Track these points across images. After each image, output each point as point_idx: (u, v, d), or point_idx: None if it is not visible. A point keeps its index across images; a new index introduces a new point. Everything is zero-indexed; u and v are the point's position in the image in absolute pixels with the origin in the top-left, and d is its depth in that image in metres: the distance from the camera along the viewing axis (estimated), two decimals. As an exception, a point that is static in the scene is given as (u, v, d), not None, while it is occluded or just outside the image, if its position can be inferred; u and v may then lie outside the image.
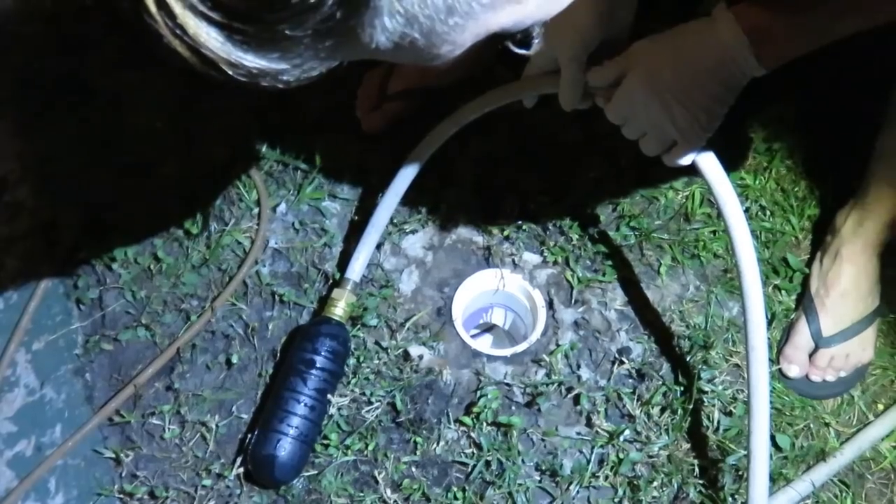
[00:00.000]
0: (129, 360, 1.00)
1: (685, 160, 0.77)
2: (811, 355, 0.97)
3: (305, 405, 0.90)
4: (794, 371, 0.97)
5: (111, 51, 1.16)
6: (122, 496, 0.92)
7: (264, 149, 1.12)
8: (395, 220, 1.04)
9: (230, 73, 0.32)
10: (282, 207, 1.09)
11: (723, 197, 0.77)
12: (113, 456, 0.94)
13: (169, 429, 0.95)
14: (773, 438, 0.92)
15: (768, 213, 1.06)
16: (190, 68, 0.32)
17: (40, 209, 1.09)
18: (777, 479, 0.90)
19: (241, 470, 0.92)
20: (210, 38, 0.30)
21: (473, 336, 1.08)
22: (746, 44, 0.70)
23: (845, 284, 0.97)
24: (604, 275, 1.03)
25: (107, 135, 1.12)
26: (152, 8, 0.29)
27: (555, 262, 1.04)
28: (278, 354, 0.99)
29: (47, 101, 1.15)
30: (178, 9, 0.29)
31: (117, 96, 1.14)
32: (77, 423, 0.95)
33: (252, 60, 0.32)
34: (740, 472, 0.89)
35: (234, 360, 0.98)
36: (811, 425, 0.94)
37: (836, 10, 0.69)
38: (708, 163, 0.77)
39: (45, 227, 1.07)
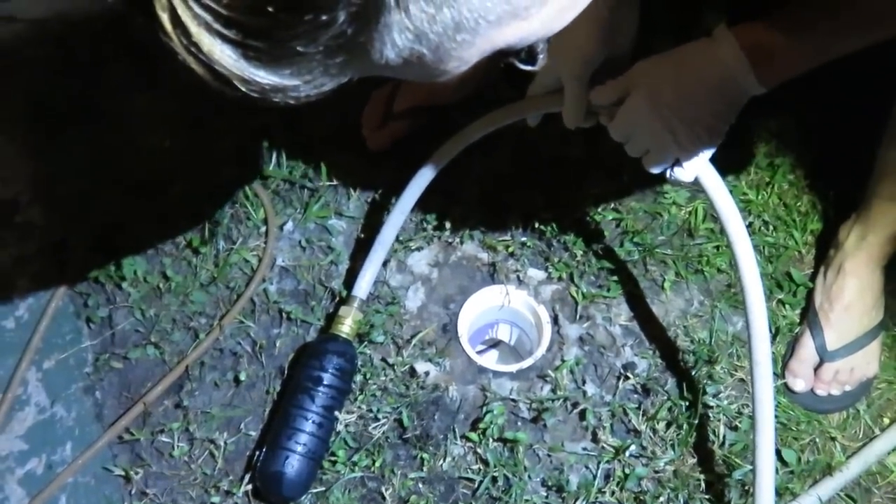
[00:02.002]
0: (138, 378, 1.01)
1: (687, 176, 0.78)
2: (816, 369, 0.97)
3: (313, 422, 0.90)
4: (799, 385, 0.97)
5: (120, 73, 1.18)
6: (131, 514, 0.93)
7: (271, 168, 1.13)
8: (400, 238, 1.05)
9: (243, 89, 0.33)
10: (289, 226, 1.10)
11: (725, 212, 0.78)
12: (122, 474, 0.95)
13: (178, 446, 0.96)
14: (778, 453, 0.92)
15: (771, 227, 1.07)
16: (203, 85, 0.33)
17: (51, 229, 1.10)
18: (783, 494, 0.90)
19: (250, 487, 0.93)
20: (224, 56, 0.31)
21: (479, 352, 1.09)
22: (747, 63, 0.71)
23: (849, 298, 0.97)
24: (608, 290, 1.03)
25: (116, 155, 1.13)
26: (168, 26, 0.30)
27: (559, 278, 1.05)
28: (286, 371, 1.00)
29: (58, 123, 1.16)
30: (192, 27, 0.30)
31: (126, 118, 1.16)
32: (87, 441, 0.96)
33: (265, 77, 0.33)
34: (746, 487, 0.90)
35: (242, 377, 0.99)
36: (817, 440, 0.95)
37: (835, 29, 0.70)
38: (710, 178, 0.78)
39: (56, 246, 1.09)
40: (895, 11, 0.68)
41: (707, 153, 0.77)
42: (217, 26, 0.30)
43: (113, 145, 1.14)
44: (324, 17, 0.30)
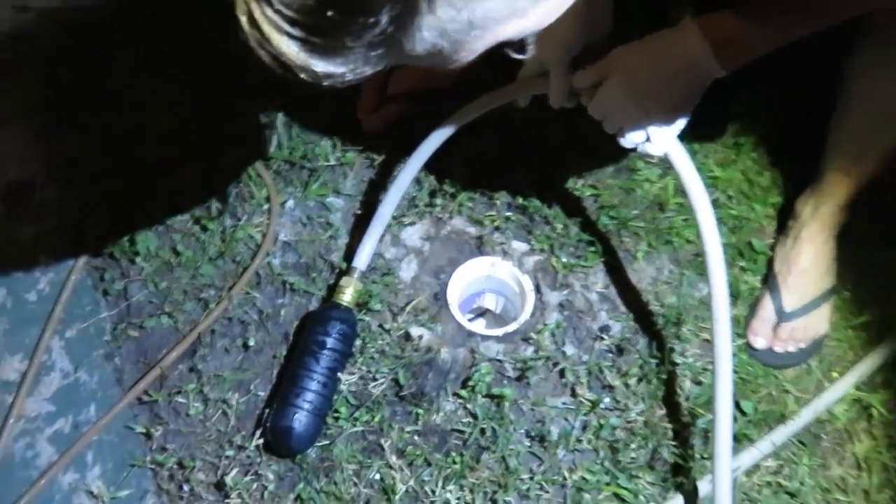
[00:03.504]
0: (154, 345, 1.10)
1: (658, 151, 0.87)
2: (774, 329, 1.07)
3: (318, 382, 0.99)
4: (759, 343, 1.07)
5: (130, 61, 1.25)
6: (153, 466, 1.02)
7: (273, 150, 1.21)
8: (394, 214, 1.14)
9: (302, 75, 0.42)
10: (290, 203, 1.18)
11: (689, 181, 0.87)
12: (143, 431, 1.04)
13: (193, 406, 1.05)
14: (738, 404, 1.02)
15: (735, 201, 1.16)
16: (271, 71, 0.42)
17: (67, 209, 1.18)
18: (741, 440, 1.00)
19: (261, 441, 1.02)
20: (290, 49, 0.40)
21: (469, 321, 1.18)
22: (709, 50, 0.79)
23: (805, 264, 1.07)
24: (586, 260, 1.13)
25: (128, 139, 1.21)
26: (246, 27, 0.39)
27: (541, 250, 1.14)
28: (291, 338, 1.09)
29: (71, 109, 1.24)
30: (265, 26, 0.39)
31: (137, 102, 1.23)
32: (109, 403, 1.05)
33: (320, 66, 0.42)
34: (708, 434, 0.99)
35: (251, 343, 1.08)
36: (773, 392, 1.05)
37: (790, 18, 0.78)
38: (677, 152, 0.87)
39: (73, 225, 1.17)
40: (836, 6, 0.76)
41: (675, 129, 0.86)
42: (285, 26, 0.39)
43: (124, 129, 1.22)
44: (371, 20, 0.39)
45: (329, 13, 0.39)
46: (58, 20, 1.26)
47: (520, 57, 0.51)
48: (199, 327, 1.09)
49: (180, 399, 1.05)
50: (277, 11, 0.39)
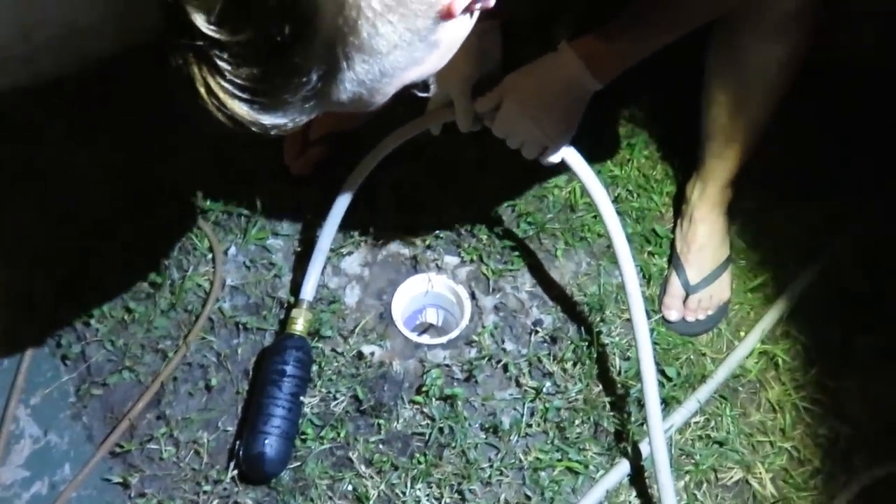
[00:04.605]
0: (119, 399, 1.15)
1: (556, 159, 1.00)
2: (684, 301, 1.20)
3: (283, 407, 1.06)
4: (673, 315, 1.20)
5: (59, 131, 1.30)
6: (135, 512, 1.06)
7: (209, 202, 1.28)
8: (332, 247, 1.22)
9: (253, 129, 0.52)
10: (232, 250, 1.26)
11: (588, 182, 0.99)
12: (120, 481, 1.08)
13: (166, 450, 1.10)
14: (663, 371, 1.14)
15: (635, 195, 1.30)
16: (223, 128, 0.51)
17: (15, 282, 1.22)
18: (670, 402, 1.12)
19: (235, 472, 1.08)
20: (241, 110, 0.51)
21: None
22: (584, 67, 0.92)
23: (701, 240, 1.21)
24: (512, 264, 1.24)
25: (66, 207, 1.26)
26: (204, 96, 0.49)
27: (471, 261, 1.24)
28: (251, 373, 1.16)
29: (4, 184, 1.28)
30: (221, 94, 0.49)
31: (71, 171, 1.28)
32: (83, 460, 1.09)
33: (267, 119, 0.52)
34: (641, 402, 1.11)
35: (213, 383, 1.14)
36: (691, 357, 1.18)
37: (650, 35, 0.92)
38: (573, 158, 1.00)
39: (22, 298, 1.21)
40: (689, 18, 0.90)
41: (567, 138, 0.99)
42: (236, 92, 0.49)
43: (61, 198, 1.27)
44: (304, 79, 0.50)
45: (271, 78, 0.49)
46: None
47: (424, 95, 0.63)
48: (161, 376, 1.15)
49: (152, 446, 1.10)
50: (230, 81, 0.49)
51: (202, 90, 0.49)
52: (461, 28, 0.57)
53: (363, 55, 0.51)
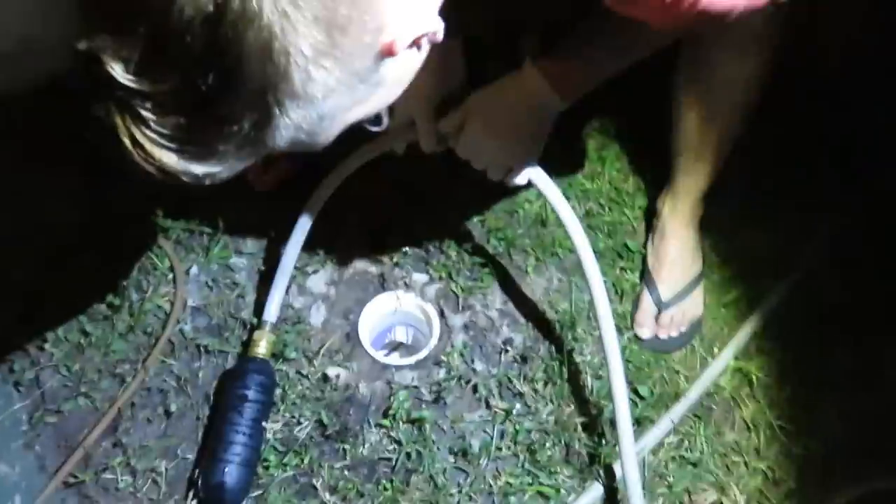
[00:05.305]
0: (74, 427, 1.10)
1: (522, 180, 0.97)
2: (656, 318, 1.18)
3: (244, 434, 1.03)
4: (645, 333, 1.18)
5: (12, 154, 1.26)
6: (89, 547, 1.02)
7: (169, 221, 1.25)
8: (297, 265, 1.19)
9: (184, 178, 0.48)
10: (194, 270, 1.22)
11: (555, 201, 0.97)
12: (74, 514, 1.04)
13: (122, 479, 1.06)
14: (636, 391, 1.12)
15: (607, 208, 1.28)
16: (151, 179, 0.48)
17: (-33, 306, 1.17)
18: (643, 422, 1.10)
19: (194, 502, 1.04)
20: (170, 160, 0.46)
21: (384, 356, 1.23)
22: (549, 88, 0.90)
23: (673, 256, 1.19)
24: (482, 281, 1.21)
25: (21, 230, 1.21)
26: (129, 147, 0.45)
27: (440, 278, 1.21)
28: (212, 398, 1.12)
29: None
30: (146, 145, 0.45)
31: (26, 194, 1.24)
32: (35, 491, 1.05)
33: (199, 169, 0.48)
34: (614, 423, 1.08)
35: (173, 409, 1.10)
36: (664, 375, 1.15)
37: (612, 56, 0.90)
38: (539, 177, 0.97)
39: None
40: (647, 43, 0.88)
41: (534, 159, 0.96)
42: (163, 141, 0.45)
43: (16, 222, 1.22)
44: (235, 128, 0.46)
45: (200, 127, 0.46)
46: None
47: (376, 129, 0.59)
48: (118, 402, 1.11)
49: (108, 475, 1.06)
50: (155, 131, 0.45)
51: (127, 141, 0.45)
52: (409, 63, 0.53)
53: (297, 101, 0.47)
